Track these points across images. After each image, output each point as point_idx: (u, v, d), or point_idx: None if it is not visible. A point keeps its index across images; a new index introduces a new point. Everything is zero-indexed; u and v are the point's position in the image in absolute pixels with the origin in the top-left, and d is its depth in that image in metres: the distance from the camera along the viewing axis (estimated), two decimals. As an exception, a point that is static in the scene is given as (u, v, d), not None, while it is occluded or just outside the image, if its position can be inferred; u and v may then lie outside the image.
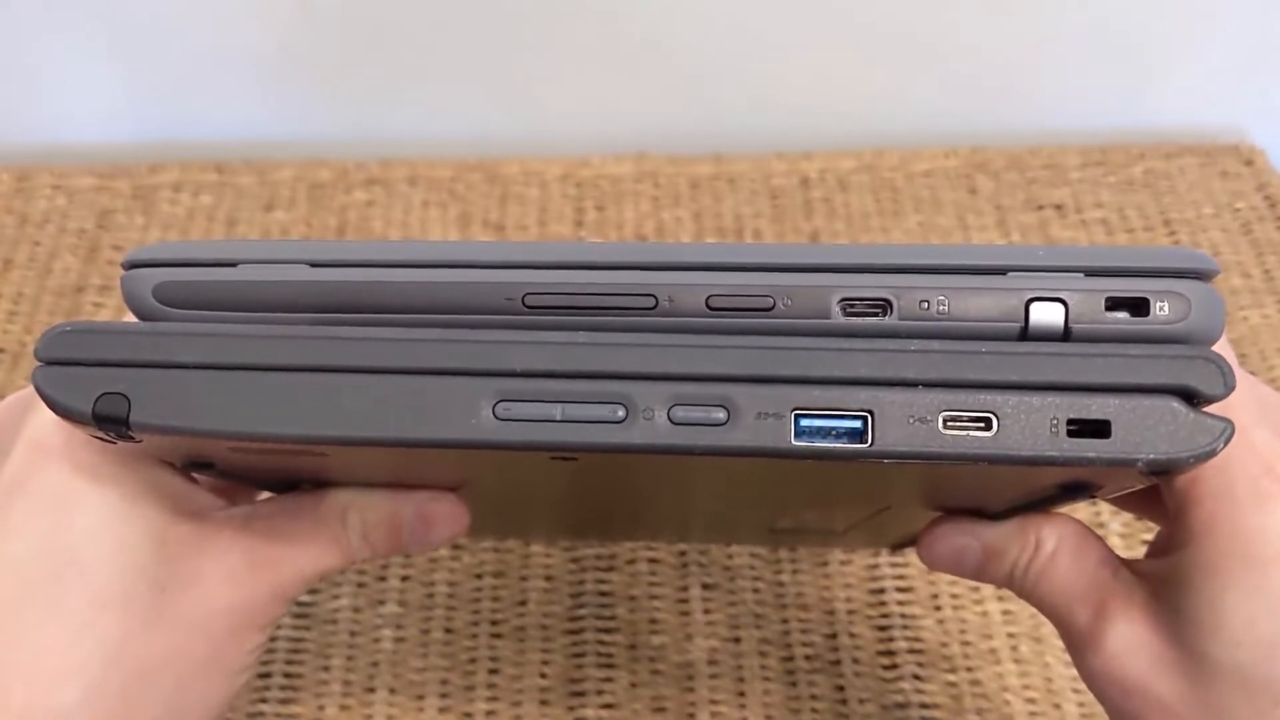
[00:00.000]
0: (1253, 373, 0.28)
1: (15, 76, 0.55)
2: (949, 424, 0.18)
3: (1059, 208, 0.53)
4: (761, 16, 0.53)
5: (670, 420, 0.18)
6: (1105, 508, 0.41)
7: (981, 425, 0.18)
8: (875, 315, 0.19)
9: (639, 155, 0.55)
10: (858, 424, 0.18)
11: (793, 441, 0.18)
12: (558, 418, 0.18)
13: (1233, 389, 0.18)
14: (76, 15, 0.52)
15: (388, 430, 0.19)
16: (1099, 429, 0.18)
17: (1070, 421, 0.18)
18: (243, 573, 0.24)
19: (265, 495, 0.28)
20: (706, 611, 0.40)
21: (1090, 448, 0.18)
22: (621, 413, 0.18)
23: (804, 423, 0.18)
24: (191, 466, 0.24)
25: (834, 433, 0.18)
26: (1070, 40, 0.54)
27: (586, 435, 0.18)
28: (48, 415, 0.20)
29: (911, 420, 0.18)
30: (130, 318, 0.21)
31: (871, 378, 0.18)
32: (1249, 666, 0.21)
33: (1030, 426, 0.18)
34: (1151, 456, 0.18)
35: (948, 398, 0.18)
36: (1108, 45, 0.54)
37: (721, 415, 0.18)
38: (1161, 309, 0.19)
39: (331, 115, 0.57)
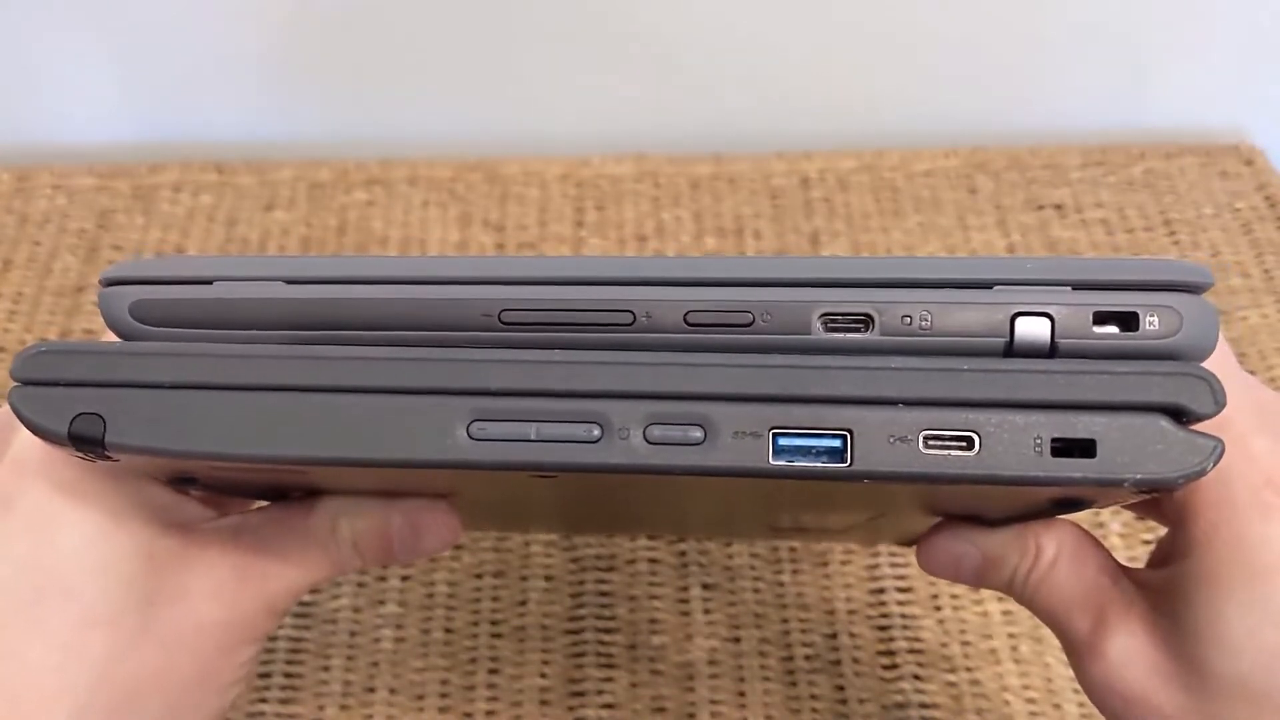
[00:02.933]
0: (1252, 372, 0.28)
1: (15, 76, 0.55)
2: (930, 443, 0.18)
3: (1059, 208, 0.53)
4: (761, 16, 0.53)
5: (646, 440, 0.18)
6: (1105, 509, 0.41)
7: (963, 444, 0.18)
8: (857, 330, 0.19)
9: (639, 155, 0.55)
10: (837, 443, 0.18)
11: (770, 461, 0.18)
12: (532, 437, 0.18)
13: (1223, 407, 0.18)
14: (76, 15, 0.52)
15: (361, 451, 0.18)
16: (1085, 448, 0.18)
17: (1055, 440, 0.18)
18: (232, 587, 0.24)
19: (257, 504, 0.28)
20: (706, 611, 0.40)
21: (1075, 467, 0.18)
22: (597, 432, 0.18)
23: (782, 442, 0.18)
24: (175, 482, 0.24)
25: (813, 452, 0.18)
26: (1070, 40, 0.54)
27: (561, 455, 0.18)
28: (30, 433, 0.19)
29: (891, 440, 0.18)
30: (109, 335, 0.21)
31: (851, 396, 0.18)
32: (1250, 676, 0.20)
33: (1013, 446, 0.18)
34: (1139, 477, 0.17)
35: (928, 416, 0.18)
36: (1107, 45, 0.54)
37: (698, 434, 0.18)
38: (1151, 323, 0.18)
39: (331, 115, 0.57)
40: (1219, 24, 0.54)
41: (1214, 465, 0.17)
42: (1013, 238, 0.52)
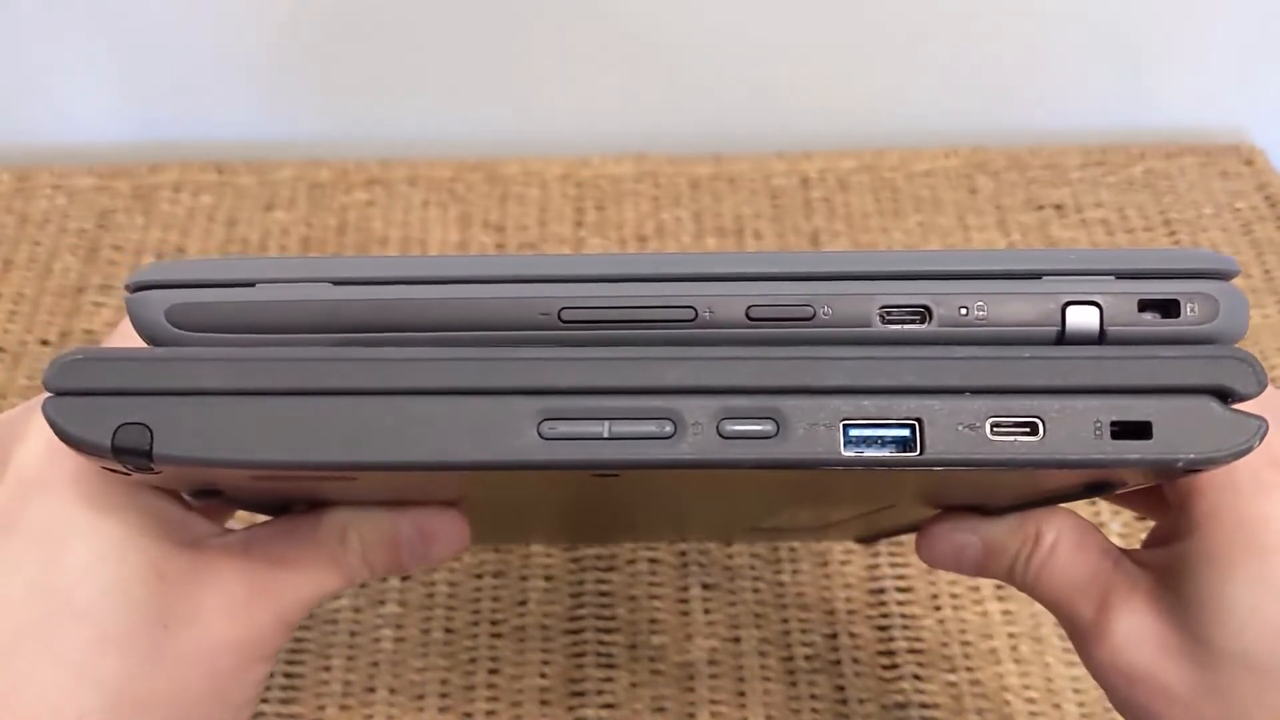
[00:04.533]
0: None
1: (15, 76, 0.55)
2: (996, 430, 0.18)
3: (1059, 208, 0.53)
4: (761, 17, 0.53)
5: (719, 434, 0.18)
6: (1105, 506, 0.41)
7: (1028, 430, 0.18)
8: (914, 322, 0.19)
9: (639, 155, 0.55)
10: (906, 432, 0.18)
11: (843, 452, 0.18)
12: (605, 435, 0.18)
13: (1265, 387, 0.18)
14: (77, 16, 0.52)
15: (430, 454, 0.18)
16: (1141, 430, 0.18)
17: (1114, 424, 0.18)
18: (244, 603, 0.23)
19: (237, 513, 0.27)
20: (706, 611, 0.40)
21: (1133, 449, 0.18)
22: (670, 428, 0.18)
23: (853, 432, 0.18)
24: (199, 494, 0.23)
25: (883, 441, 0.18)
26: (1070, 40, 0.54)
27: (635, 452, 0.18)
28: (36, 446, 0.18)
29: (960, 427, 0.18)
30: (126, 338, 0.20)
31: (919, 386, 0.18)
32: (1255, 653, 0.21)
33: (1075, 430, 0.18)
34: (1192, 456, 0.18)
35: (994, 404, 0.18)
36: (1108, 45, 0.54)
37: (771, 428, 0.18)
38: (1191, 310, 0.19)
39: (331, 115, 0.57)
40: (1219, 24, 0.54)
41: (1260, 442, 0.18)
42: (1013, 237, 0.52)
